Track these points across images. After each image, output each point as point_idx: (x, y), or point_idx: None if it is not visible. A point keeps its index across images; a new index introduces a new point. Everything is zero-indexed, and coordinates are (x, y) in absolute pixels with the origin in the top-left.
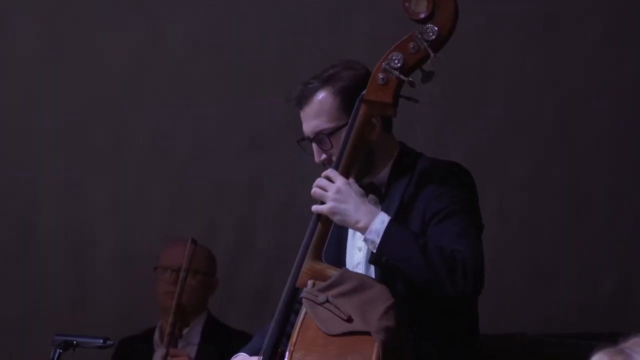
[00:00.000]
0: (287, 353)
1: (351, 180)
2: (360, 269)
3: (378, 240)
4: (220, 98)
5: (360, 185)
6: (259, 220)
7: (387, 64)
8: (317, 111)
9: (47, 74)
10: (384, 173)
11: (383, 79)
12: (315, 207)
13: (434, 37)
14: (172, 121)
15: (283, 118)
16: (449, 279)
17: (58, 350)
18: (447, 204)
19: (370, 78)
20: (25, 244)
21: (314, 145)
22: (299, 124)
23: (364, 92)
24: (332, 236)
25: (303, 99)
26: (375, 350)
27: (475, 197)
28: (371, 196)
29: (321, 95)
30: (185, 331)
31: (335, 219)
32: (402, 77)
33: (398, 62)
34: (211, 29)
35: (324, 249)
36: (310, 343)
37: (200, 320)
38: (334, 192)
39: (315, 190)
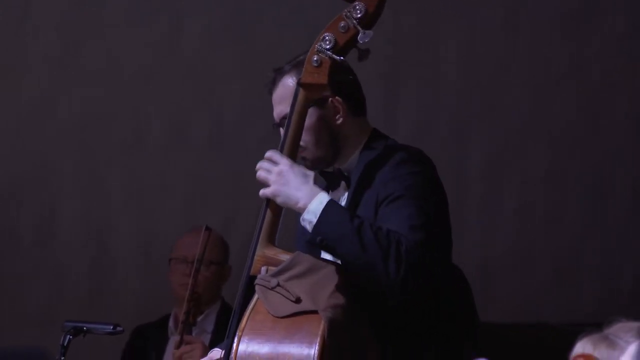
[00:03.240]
0: (235, 339)
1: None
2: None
3: (315, 221)
4: (237, 90)
5: (328, 173)
6: None
7: (320, 45)
8: (282, 96)
9: (67, 67)
10: (352, 159)
11: (317, 60)
12: (261, 192)
13: (360, 14)
14: (190, 112)
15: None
16: (383, 263)
17: (68, 336)
18: (398, 187)
19: (305, 61)
20: (45, 233)
21: (280, 130)
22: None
23: (300, 77)
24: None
25: (272, 84)
26: (321, 326)
27: (432, 184)
28: (342, 183)
29: (288, 80)
30: (199, 319)
31: (278, 200)
32: (334, 57)
33: (329, 43)
34: (228, 21)
35: (277, 233)
36: (258, 326)
37: (214, 308)
38: (275, 174)
39: (259, 173)
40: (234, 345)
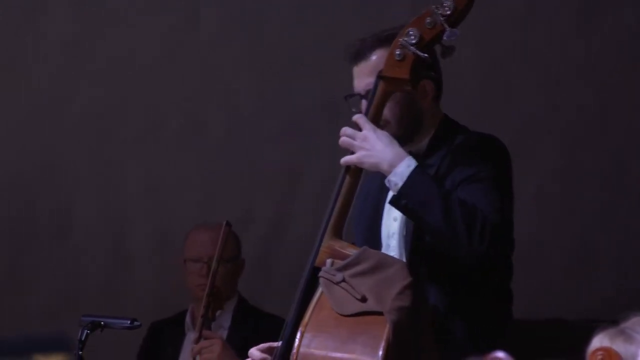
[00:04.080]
0: (298, 334)
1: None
2: (395, 240)
3: (400, 184)
4: (254, 81)
5: None
6: (296, 205)
7: (404, 40)
8: (371, 69)
9: (80, 58)
10: (424, 143)
11: (400, 55)
12: (344, 159)
13: (449, 11)
14: (206, 105)
15: (319, 101)
16: (466, 232)
17: (85, 331)
18: (476, 171)
19: (387, 54)
20: (61, 228)
21: (363, 102)
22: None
23: (381, 69)
24: (368, 207)
25: (358, 55)
26: (386, 330)
27: (508, 171)
28: None
29: (377, 54)
30: (217, 314)
31: (365, 165)
32: (418, 53)
33: (414, 38)
34: (245, 12)
35: (344, 226)
36: (322, 324)
37: (231, 303)
38: (360, 140)
39: (343, 139)
40: (297, 340)
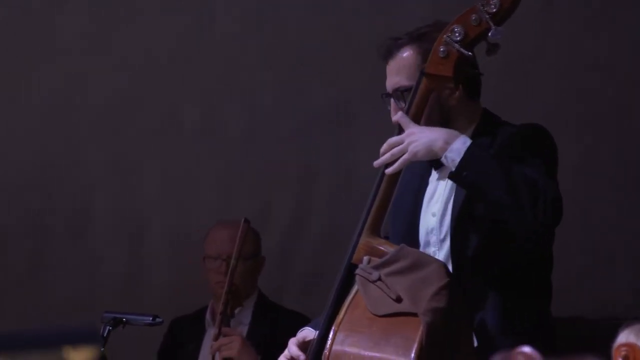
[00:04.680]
0: (331, 332)
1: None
2: (435, 235)
3: (458, 159)
4: (271, 80)
5: None
6: (313, 203)
7: (449, 37)
8: (400, 67)
9: (96, 55)
10: None
11: (444, 52)
12: (389, 169)
13: (495, 9)
14: (222, 103)
15: (335, 100)
16: (531, 203)
17: (107, 327)
18: (526, 156)
19: (432, 51)
20: (78, 226)
21: (392, 101)
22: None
23: (424, 66)
24: (406, 201)
25: (389, 53)
26: (419, 332)
27: (555, 158)
28: None
29: (407, 52)
30: (237, 311)
31: (420, 155)
32: (462, 50)
33: (459, 35)
34: (262, 10)
35: (382, 223)
36: (356, 323)
37: (251, 300)
38: (407, 136)
39: (385, 148)
40: (330, 338)
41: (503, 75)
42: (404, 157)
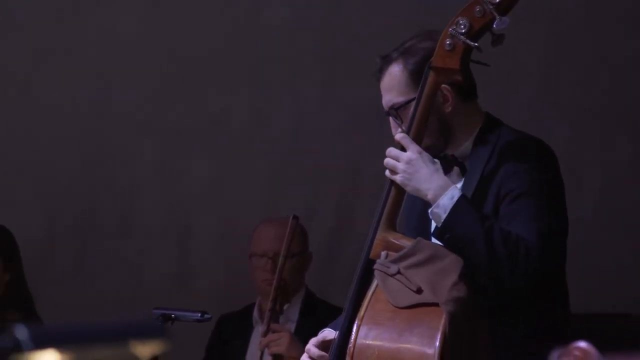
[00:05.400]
0: (354, 327)
1: (431, 151)
2: None
3: (444, 216)
4: (317, 79)
5: (442, 158)
6: (359, 200)
7: (454, 30)
8: (389, 85)
9: (144, 52)
10: (466, 145)
11: (450, 44)
12: (389, 175)
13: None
14: (270, 99)
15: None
16: (509, 269)
17: None
18: (521, 183)
19: (437, 45)
20: (126, 222)
21: (390, 119)
22: None
23: (431, 60)
24: (418, 201)
25: (379, 71)
26: (442, 321)
27: (555, 177)
28: (455, 169)
29: (394, 68)
30: (285, 307)
31: (408, 189)
32: (468, 42)
33: (464, 27)
34: (310, 6)
35: (398, 218)
36: (378, 316)
37: (298, 297)
38: (405, 162)
39: (387, 160)
40: (353, 333)
41: (548, 74)
42: (395, 179)
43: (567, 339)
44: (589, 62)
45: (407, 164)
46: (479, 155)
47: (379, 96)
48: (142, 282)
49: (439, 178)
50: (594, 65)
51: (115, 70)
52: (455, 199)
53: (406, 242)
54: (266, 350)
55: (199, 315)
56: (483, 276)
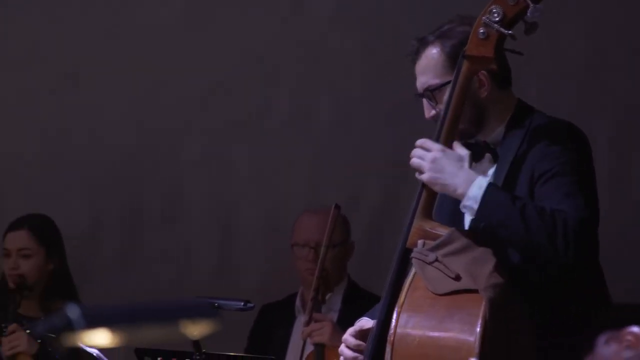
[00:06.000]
0: (394, 314)
1: (457, 144)
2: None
3: (476, 207)
4: (359, 71)
5: (474, 144)
6: (401, 190)
7: (487, 18)
8: (426, 67)
9: (191, 44)
10: (498, 132)
11: (483, 33)
12: (417, 176)
13: None
14: (314, 90)
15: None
16: (549, 243)
17: None
18: (554, 164)
19: (471, 33)
20: (171, 212)
21: (424, 101)
22: None
23: (465, 48)
24: (449, 199)
25: (416, 53)
26: (482, 307)
27: (587, 159)
28: (487, 155)
29: (431, 51)
30: (327, 297)
31: (435, 189)
32: (502, 30)
33: (497, 16)
34: (353, 4)
35: (434, 208)
36: (418, 303)
37: (341, 286)
38: (429, 161)
39: (413, 160)
40: (394, 321)
41: (588, 65)
42: (422, 178)
43: (606, 325)
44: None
45: (432, 162)
46: (511, 141)
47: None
48: (186, 272)
49: (465, 172)
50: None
51: (162, 66)
52: (485, 187)
53: (443, 231)
54: (308, 340)
55: (242, 304)
56: (524, 257)
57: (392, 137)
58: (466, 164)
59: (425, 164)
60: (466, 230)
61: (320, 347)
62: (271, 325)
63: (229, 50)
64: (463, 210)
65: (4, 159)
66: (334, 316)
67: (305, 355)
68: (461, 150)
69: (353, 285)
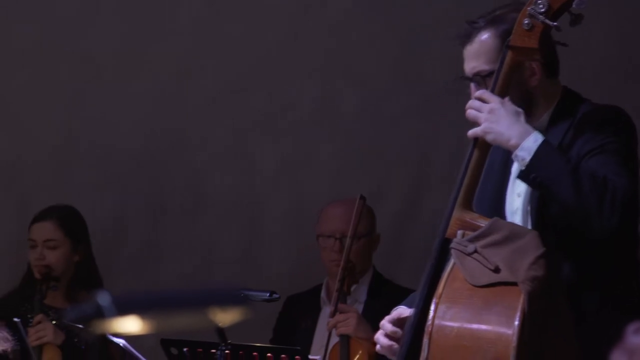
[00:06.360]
0: (432, 305)
1: (506, 99)
2: (519, 216)
3: (528, 158)
4: (386, 58)
5: None
6: (428, 181)
7: (533, 9)
8: (478, 52)
9: (211, 36)
10: (544, 118)
11: (528, 24)
12: (471, 131)
13: None
14: (338, 81)
15: (449, 79)
16: (597, 206)
17: None
18: (601, 143)
19: (516, 23)
20: (196, 205)
21: (472, 85)
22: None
23: (509, 38)
24: (491, 183)
25: (467, 37)
26: (521, 300)
27: (634, 143)
28: None
29: (484, 36)
30: (352, 288)
31: (489, 138)
32: (547, 21)
33: (543, 7)
34: None
35: (474, 198)
36: (456, 295)
37: (366, 277)
38: (487, 111)
39: (469, 112)
40: (431, 312)
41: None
42: (477, 131)
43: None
44: None
45: (490, 112)
46: (557, 127)
47: (447, 80)
48: (211, 264)
49: (522, 124)
50: None
51: (187, 59)
52: (540, 141)
53: (483, 222)
54: (334, 331)
55: (268, 294)
56: (570, 216)
57: (418, 129)
58: (523, 118)
59: (482, 115)
60: (508, 222)
61: (345, 338)
62: (296, 317)
63: (254, 43)
64: (514, 159)
65: (29, 154)
66: (360, 307)
67: (330, 347)
68: (517, 108)
69: (378, 276)
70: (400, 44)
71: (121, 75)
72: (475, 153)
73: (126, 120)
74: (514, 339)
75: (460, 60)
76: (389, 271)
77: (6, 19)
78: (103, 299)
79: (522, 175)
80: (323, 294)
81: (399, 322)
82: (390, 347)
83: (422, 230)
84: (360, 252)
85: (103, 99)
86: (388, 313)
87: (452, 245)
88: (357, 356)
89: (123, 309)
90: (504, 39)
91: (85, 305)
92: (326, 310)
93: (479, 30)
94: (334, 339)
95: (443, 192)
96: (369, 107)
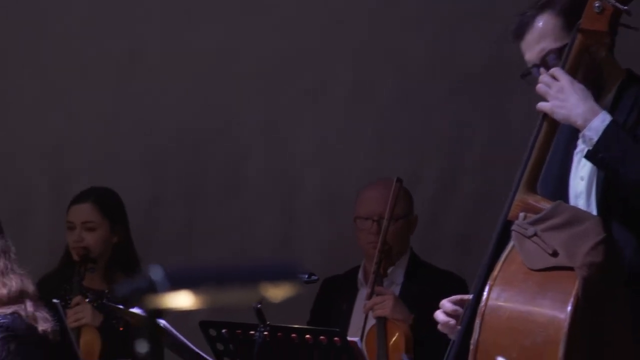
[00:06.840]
0: (486, 287)
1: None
2: (582, 199)
3: (596, 138)
4: (422, 43)
5: None
6: (465, 163)
7: None
8: (541, 34)
9: (251, 19)
10: (608, 99)
11: (599, 7)
12: (539, 105)
13: None
14: (375, 64)
15: (488, 62)
16: None
17: None
18: None
19: (586, 6)
20: (233, 188)
21: (542, 71)
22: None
23: (579, 22)
24: (555, 166)
25: (522, 28)
26: (576, 286)
27: None
28: None
29: (543, 18)
30: (389, 270)
31: (557, 116)
32: (618, 5)
33: None
34: None
35: (539, 180)
36: (511, 278)
37: (403, 260)
38: (556, 90)
39: (540, 86)
40: (485, 293)
41: None
42: (545, 106)
43: None
44: None
45: (559, 91)
46: (621, 106)
47: (485, 64)
48: (248, 246)
49: (590, 104)
50: None
51: (223, 42)
52: (607, 121)
53: (545, 205)
54: (371, 313)
55: (307, 276)
56: (637, 197)
57: (455, 112)
58: (591, 99)
59: (551, 92)
60: (571, 206)
61: (382, 321)
62: (333, 299)
63: (292, 27)
64: (581, 139)
65: (69, 136)
66: (396, 289)
67: (367, 329)
68: (585, 88)
69: (415, 258)
70: (439, 28)
71: (161, 60)
72: (544, 129)
73: (164, 103)
74: (566, 324)
75: (498, 44)
76: (426, 253)
77: None
78: (156, 273)
79: (589, 155)
80: (360, 276)
81: (460, 303)
82: (447, 323)
83: (459, 211)
84: (397, 234)
85: (139, 82)
86: (425, 295)
87: (513, 227)
88: (394, 338)
89: (175, 284)
90: (565, 15)
91: (139, 279)
92: (363, 292)
93: (533, 17)
94: (371, 321)
95: (480, 173)
96: (406, 91)
